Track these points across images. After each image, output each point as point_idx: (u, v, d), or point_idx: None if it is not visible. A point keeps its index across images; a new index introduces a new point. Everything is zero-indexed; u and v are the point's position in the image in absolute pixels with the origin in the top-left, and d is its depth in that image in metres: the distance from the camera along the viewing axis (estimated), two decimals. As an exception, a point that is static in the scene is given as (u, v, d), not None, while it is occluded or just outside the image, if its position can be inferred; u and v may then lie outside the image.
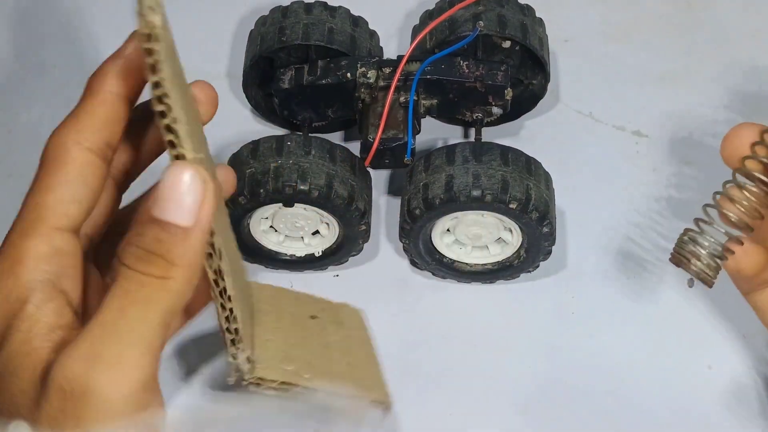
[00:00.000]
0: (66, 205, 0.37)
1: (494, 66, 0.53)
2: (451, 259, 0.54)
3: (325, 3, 0.56)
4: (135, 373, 0.34)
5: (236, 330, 0.38)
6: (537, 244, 0.52)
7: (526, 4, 0.56)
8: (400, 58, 0.53)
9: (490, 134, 0.56)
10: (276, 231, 0.54)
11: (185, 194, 0.34)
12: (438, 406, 0.52)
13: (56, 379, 0.34)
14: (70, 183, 0.37)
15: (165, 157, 0.36)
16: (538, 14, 0.57)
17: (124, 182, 0.42)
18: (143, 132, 0.42)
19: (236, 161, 0.52)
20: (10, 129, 0.60)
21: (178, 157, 0.35)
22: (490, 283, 0.55)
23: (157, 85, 0.33)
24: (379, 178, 0.58)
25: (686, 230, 0.40)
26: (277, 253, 0.54)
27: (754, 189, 0.39)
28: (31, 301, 0.36)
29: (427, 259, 0.54)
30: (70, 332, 0.36)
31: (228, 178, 0.43)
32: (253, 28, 0.57)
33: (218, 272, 0.37)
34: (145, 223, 0.35)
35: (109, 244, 0.40)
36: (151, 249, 0.34)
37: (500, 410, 0.52)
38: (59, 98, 0.61)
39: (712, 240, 0.40)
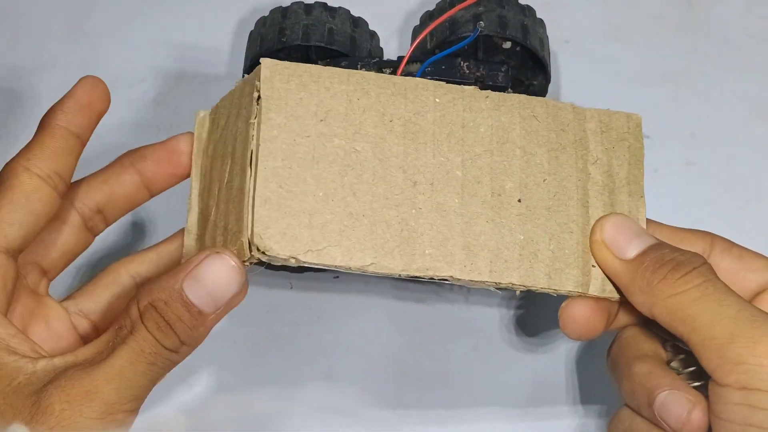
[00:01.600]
0: (4, 226, 0.39)
1: (495, 67, 0.53)
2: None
3: (325, 4, 0.56)
4: (127, 422, 0.37)
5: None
6: (537, 245, 0.51)
7: (527, 5, 0.56)
8: (400, 58, 0.52)
9: (490, 135, 0.56)
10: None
11: (222, 287, 0.37)
12: (438, 406, 0.52)
13: (53, 397, 0.36)
14: (12, 205, 0.39)
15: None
16: (538, 15, 0.57)
17: (96, 224, 0.44)
18: (122, 178, 0.44)
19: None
20: (9, 129, 0.60)
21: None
22: (491, 284, 0.55)
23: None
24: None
25: None
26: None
27: None
28: None
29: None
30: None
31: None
32: (253, 28, 0.57)
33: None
34: (173, 294, 0.37)
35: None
36: (171, 323, 0.36)
37: (500, 410, 0.52)
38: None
39: None
